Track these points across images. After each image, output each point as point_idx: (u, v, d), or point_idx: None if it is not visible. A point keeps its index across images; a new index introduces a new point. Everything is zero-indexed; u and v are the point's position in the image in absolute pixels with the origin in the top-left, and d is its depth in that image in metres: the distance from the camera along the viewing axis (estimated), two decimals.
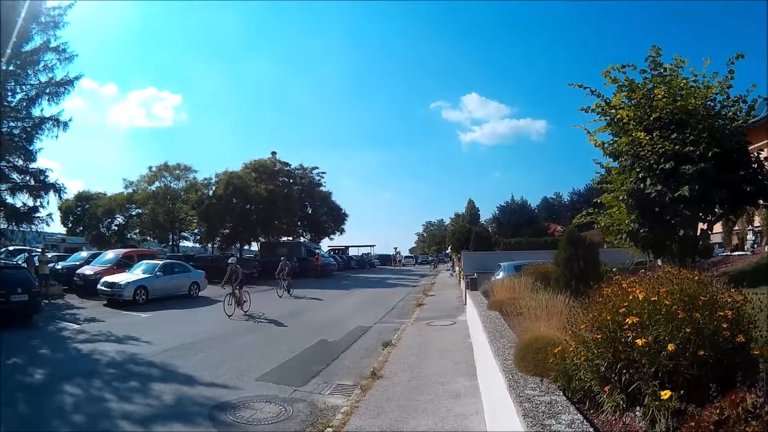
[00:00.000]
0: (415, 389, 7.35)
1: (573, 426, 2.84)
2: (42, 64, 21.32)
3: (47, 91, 21.36)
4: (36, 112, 21.60)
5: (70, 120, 21.99)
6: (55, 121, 21.55)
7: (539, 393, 3.55)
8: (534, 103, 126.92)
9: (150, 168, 43.72)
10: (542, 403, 3.28)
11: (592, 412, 3.21)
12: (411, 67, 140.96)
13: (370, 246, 73.65)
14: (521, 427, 3.05)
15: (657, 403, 2.69)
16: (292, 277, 23.92)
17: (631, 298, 3.31)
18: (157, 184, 43.21)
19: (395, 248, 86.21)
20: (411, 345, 11.12)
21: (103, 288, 18.49)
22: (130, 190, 44.15)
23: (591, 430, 2.78)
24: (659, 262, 9.12)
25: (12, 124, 21.11)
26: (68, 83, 21.76)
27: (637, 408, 2.93)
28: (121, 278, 18.77)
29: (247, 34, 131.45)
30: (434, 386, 7.46)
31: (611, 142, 8.18)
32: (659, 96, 7.40)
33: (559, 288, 7.16)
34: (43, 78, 21.47)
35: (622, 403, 3.00)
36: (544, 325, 4.92)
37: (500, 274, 14.88)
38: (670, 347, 2.79)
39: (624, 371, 2.99)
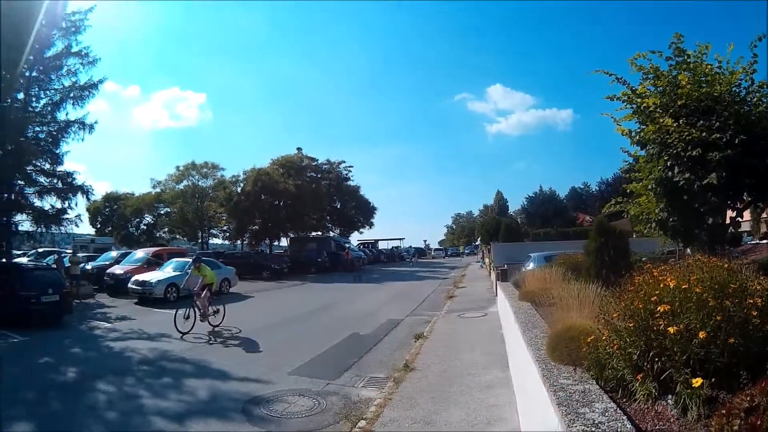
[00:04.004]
0: (447, 381, 7.48)
1: (607, 414, 2.89)
2: (65, 68, 21.80)
3: (71, 95, 21.81)
4: (61, 116, 22.08)
5: (95, 123, 22.46)
6: (81, 124, 22.02)
7: (573, 382, 3.61)
8: (559, 92, 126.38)
9: (177, 167, 44.99)
10: (576, 392, 3.34)
11: (624, 400, 3.27)
12: (434, 60, 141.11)
13: (400, 239, 74.16)
14: (555, 416, 3.11)
15: (689, 391, 2.77)
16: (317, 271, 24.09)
17: (662, 286, 3.37)
18: (184, 182, 44.50)
19: (425, 241, 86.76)
20: (443, 337, 11.25)
21: (133, 286, 18.98)
22: (158, 190, 45.61)
23: (624, 418, 2.82)
24: (688, 251, 9.06)
25: (37, 128, 21.63)
26: (92, 87, 22.23)
27: (669, 396, 3.00)
28: (151, 276, 19.24)
29: (269, 31, 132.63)
30: (466, 378, 7.58)
31: (638, 130, 8.12)
32: (684, 82, 7.35)
33: (589, 278, 7.19)
34: (67, 82, 21.97)
35: (654, 391, 3.06)
36: (576, 315, 4.96)
37: (530, 265, 14.87)
38: (702, 335, 2.85)
39: (656, 359, 3.06)
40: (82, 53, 22.00)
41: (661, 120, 7.18)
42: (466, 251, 77.06)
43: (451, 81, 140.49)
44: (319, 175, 49.89)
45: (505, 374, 7.53)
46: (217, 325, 12.85)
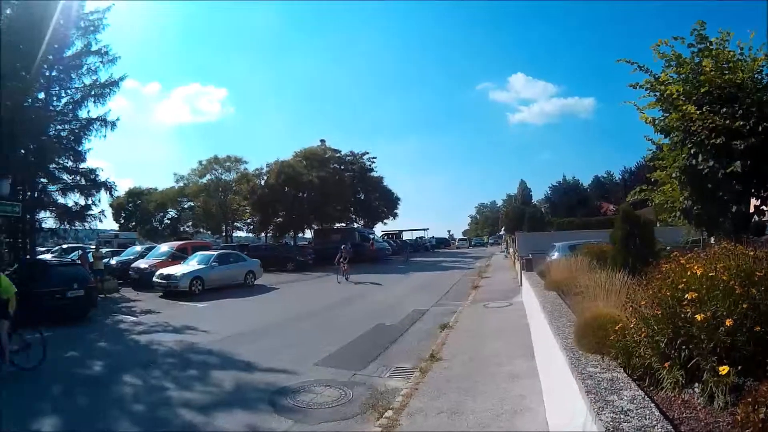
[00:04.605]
0: (473, 371, 7.55)
1: (635, 402, 2.93)
2: (85, 67, 22.32)
3: (92, 93, 22.34)
4: (83, 114, 22.66)
5: (117, 120, 23.00)
6: (103, 121, 22.55)
7: (600, 370, 3.65)
8: (581, 81, 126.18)
9: (200, 162, 45.44)
10: (604, 380, 3.39)
11: (652, 389, 3.31)
12: (455, 50, 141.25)
13: (424, 230, 74.15)
14: (583, 404, 3.17)
15: (715, 378, 2.81)
16: (348, 263, 24.27)
17: (689, 274, 3.40)
18: (208, 176, 44.90)
19: (449, 231, 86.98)
20: (468, 327, 11.34)
21: (158, 280, 19.31)
22: (181, 184, 46.00)
23: (652, 406, 2.86)
24: (712, 240, 9.00)
25: (59, 127, 22.21)
26: (113, 84, 22.72)
27: (696, 384, 3.05)
28: (176, 270, 19.56)
29: (289, 26, 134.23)
30: (492, 368, 7.64)
31: (662, 118, 8.06)
32: (707, 69, 7.28)
33: (615, 267, 7.19)
34: (88, 81, 22.50)
35: (681, 379, 3.10)
36: (602, 304, 4.99)
37: (555, 255, 14.90)
38: (728, 323, 2.88)
39: (683, 347, 3.10)
40: (102, 51, 22.49)
41: (684, 107, 7.13)
42: (490, 241, 77.11)
43: (473, 71, 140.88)
44: (342, 167, 50.10)
45: (531, 364, 7.57)
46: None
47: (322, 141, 48.79)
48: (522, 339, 9.36)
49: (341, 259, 23.55)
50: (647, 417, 2.68)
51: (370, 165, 54.75)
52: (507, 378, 7.04)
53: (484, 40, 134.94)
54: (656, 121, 8.25)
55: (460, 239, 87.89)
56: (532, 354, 8.08)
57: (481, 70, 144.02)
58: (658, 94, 7.95)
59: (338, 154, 50.25)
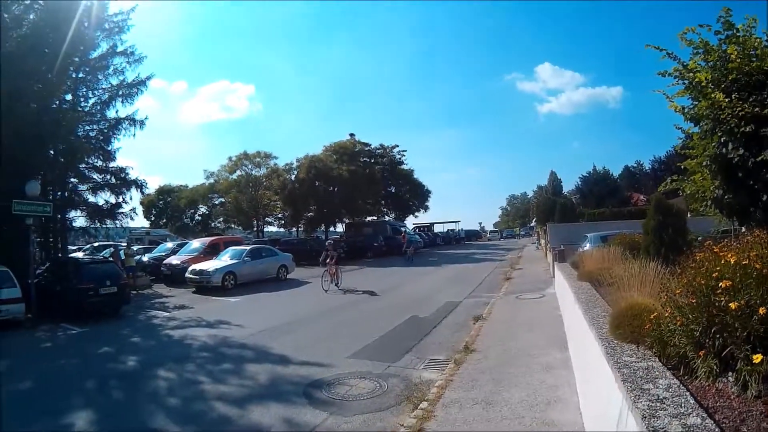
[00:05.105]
0: (506, 362, 7.64)
1: (670, 390, 2.97)
2: (111, 68, 23.09)
3: (120, 93, 23.04)
4: (111, 113, 23.35)
5: (146, 119, 23.67)
6: (131, 120, 23.24)
7: (636, 359, 3.69)
8: (608, 70, 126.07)
9: (230, 158, 46.23)
10: (639, 369, 3.43)
11: (686, 378, 3.34)
12: (482, 40, 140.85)
13: (455, 222, 74.35)
14: (620, 393, 3.21)
15: (749, 367, 2.84)
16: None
17: (723, 262, 3.44)
18: (238, 172, 45.61)
19: (480, 223, 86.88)
20: (501, 319, 11.43)
21: (191, 276, 19.73)
22: (211, 181, 46.96)
23: (688, 394, 2.90)
24: (743, 229, 8.90)
25: (88, 127, 22.89)
26: (140, 83, 23.43)
27: (730, 373, 3.08)
28: (209, 265, 19.92)
29: (315, 20, 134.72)
30: (525, 359, 7.73)
31: (691, 106, 7.99)
32: (733, 56, 7.20)
33: (648, 256, 7.19)
34: (115, 81, 23.23)
35: (715, 368, 3.14)
36: (636, 293, 5.02)
37: (587, 245, 14.96)
38: (761, 311, 2.91)
39: (717, 336, 3.14)
40: (128, 52, 23.21)
41: (713, 95, 7.08)
42: (521, 233, 76.85)
43: (500, 61, 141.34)
44: (372, 160, 50.65)
45: (564, 355, 7.65)
46: None
47: (352, 135, 49.41)
48: (555, 330, 9.43)
49: (328, 260, 18.95)
50: (682, 405, 2.72)
51: (400, 158, 55.19)
52: (541, 369, 7.12)
53: (509, 29, 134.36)
54: (686, 110, 8.18)
55: (492, 231, 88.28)
56: (566, 345, 8.16)
57: (508, 60, 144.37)
58: (686, 82, 7.88)
59: (368, 148, 50.74)
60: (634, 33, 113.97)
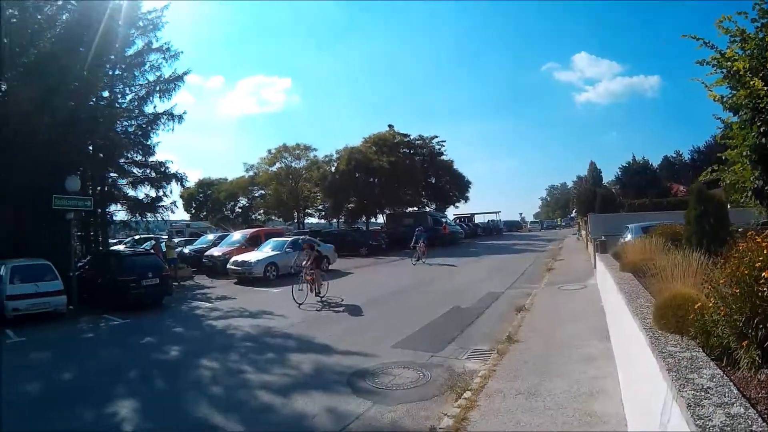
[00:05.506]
0: (549, 353, 7.74)
1: (714, 380, 3.02)
2: (148, 64, 23.65)
3: (157, 89, 23.61)
4: (149, 109, 23.97)
5: (184, 113, 24.25)
6: (170, 115, 23.83)
7: (680, 349, 3.73)
8: (645, 58, 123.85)
9: (269, 150, 47.16)
10: (683, 359, 3.47)
11: (729, 368, 3.38)
12: (519, 31, 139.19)
13: (495, 213, 74.08)
14: (665, 382, 3.26)
15: None
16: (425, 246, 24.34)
17: (765, 252, 3.50)
18: (278, 165, 46.55)
19: (520, 214, 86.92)
20: (543, 309, 11.51)
21: (233, 267, 20.20)
22: (251, 173, 47.96)
23: (731, 384, 2.93)
24: None
25: (126, 123, 23.48)
26: (177, 79, 23.97)
27: None
28: (251, 256, 20.38)
29: (352, 11, 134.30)
30: (568, 350, 7.82)
31: (729, 95, 7.89)
32: None
33: (690, 247, 7.18)
34: (151, 77, 23.83)
35: (757, 359, 3.18)
36: (679, 284, 5.07)
37: (628, 236, 14.86)
38: None
39: (760, 326, 3.19)
40: (163, 48, 23.77)
41: (752, 84, 6.99)
42: (562, 224, 76.42)
43: (537, 51, 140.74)
44: (412, 151, 50.63)
45: (606, 346, 7.69)
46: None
47: (391, 126, 49.43)
48: (597, 321, 9.46)
49: (305, 263, 14.97)
50: (726, 395, 2.77)
51: (439, 149, 54.84)
52: (583, 360, 7.20)
53: (545, 18, 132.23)
54: (724, 99, 8.08)
55: (532, 222, 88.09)
56: (607, 336, 8.20)
57: (545, 50, 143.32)
58: (724, 71, 7.79)
59: (407, 139, 50.59)
60: (670, 21, 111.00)
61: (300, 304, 13.73)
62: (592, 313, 10.34)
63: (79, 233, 18.55)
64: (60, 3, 18.68)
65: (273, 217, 50.79)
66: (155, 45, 23.76)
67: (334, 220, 49.45)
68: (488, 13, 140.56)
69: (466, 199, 58.46)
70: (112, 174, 23.62)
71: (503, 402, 5.83)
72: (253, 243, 23.57)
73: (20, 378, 8.26)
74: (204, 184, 52.51)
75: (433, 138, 54.28)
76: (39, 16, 17.58)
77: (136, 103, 23.79)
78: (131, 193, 24.62)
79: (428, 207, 52.45)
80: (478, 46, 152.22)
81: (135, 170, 24.57)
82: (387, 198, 43.41)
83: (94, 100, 20.72)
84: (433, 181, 54.38)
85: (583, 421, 5.13)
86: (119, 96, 23.58)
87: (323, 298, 14.33)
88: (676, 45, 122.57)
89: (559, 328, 9.39)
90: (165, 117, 23.74)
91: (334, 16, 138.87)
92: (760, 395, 2.91)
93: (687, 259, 5.74)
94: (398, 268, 23.07)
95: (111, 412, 6.62)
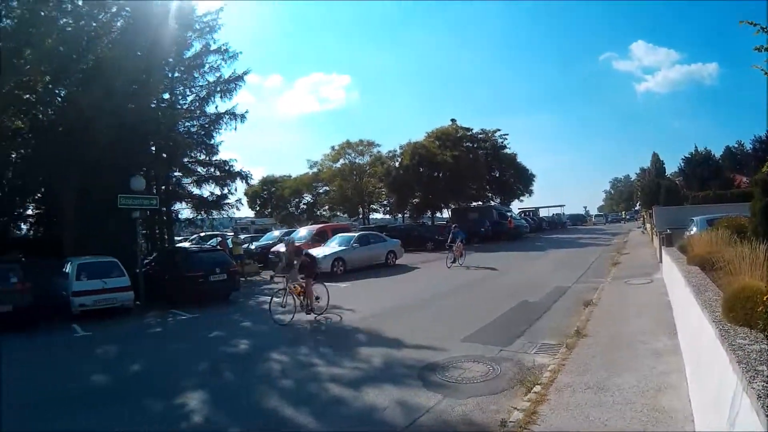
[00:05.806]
0: (617, 347, 7.80)
1: None
2: (207, 66, 24.58)
3: (217, 89, 24.52)
4: (210, 109, 24.98)
5: (246, 112, 25.09)
6: (232, 114, 24.72)
7: (749, 342, 3.80)
8: (703, 45, 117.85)
9: (332, 147, 48.12)
10: (753, 351, 3.51)
11: None
12: (575, 20, 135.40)
13: (560, 206, 73.53)
14: (735, 374, 3.32)
15: None
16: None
17: None
18: (341, 161, 47.51)
19: (585, 207, 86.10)
20: (610, 304, 11.50)
21: None
22: (315, 170, 49.12)
23: None
24: None
25: (188, 123, 24.56)
26: (237, 79, 24.81)
27: None
28: (317, 252, 20.41)
29: (406, 5, 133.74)
30: (635, 344, 7.86)
31: None
32: None
33: (756, 239, 7.10)
34: (211, 78, 24.74)
35: None
36: (747, 277, 5.11)
37: (693, 229, 14.64)
38: None
39: None
40: (222, 50, 24.59)
41: None
42: (627, 217, 75.11)
43: (594, 41, 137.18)
44: (475, 145, 50.65)
45: (673, 341, 7.68)
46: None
47: (453, 120, 49.57)
48: (664, 316, 9.45)
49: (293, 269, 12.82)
50: None
51: (502, 142, 54.90)
52: (650, 355, 7.23)
53: (600, 6, 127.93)
54: None
55: (596, 215, 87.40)
56: (674, 331, 8.20)
57: (602, 40, 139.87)
58: None
59: (470, 133, 50.62)
60: (727, 6, 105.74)
61: (284, 325, 11.75)
62: (658, 308, 10.30)
63: (144, 231, 19.35)
64: (114, 10, 19.67)
65: (338, 213, 51.62)
66: (213, 47, 24.62)
67: (399, 216, 49.91)
68: (541, 3, 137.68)
69: (531, 192, 58.55)
70: (176, 173, 24.68)
71: (572, 396, 5.90)
72: (319, 239, 24.06)
73: (86, 371, 8.72)
74: (268, 182, 54.03)
75: (495, 131, 54.28)
76: (94, 23, 18.63)
77: (197, 104, 24.72)
78: (196, 191, 25.62)
79: (493, 201, 52.34)
80: (535, 38, 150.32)
81: (199, 169, 25.50)
82: (451, 192, 43.52)
83: (155, 102, 21.74)
84: (497, 175, 54.27)
85: (651, 417, 5.18)
86: (180, 97, 24.58)
87: (318, 316, 12.29)
88: (733, 31, 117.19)
89: (626, 323, 9.40)
90: (227, 116, 24.60)
91: (388, 11, 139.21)
92: None
93: (754, 251, 5.78)
94: (466, 262, 22.84)
95: (179, 403, 6.85)
